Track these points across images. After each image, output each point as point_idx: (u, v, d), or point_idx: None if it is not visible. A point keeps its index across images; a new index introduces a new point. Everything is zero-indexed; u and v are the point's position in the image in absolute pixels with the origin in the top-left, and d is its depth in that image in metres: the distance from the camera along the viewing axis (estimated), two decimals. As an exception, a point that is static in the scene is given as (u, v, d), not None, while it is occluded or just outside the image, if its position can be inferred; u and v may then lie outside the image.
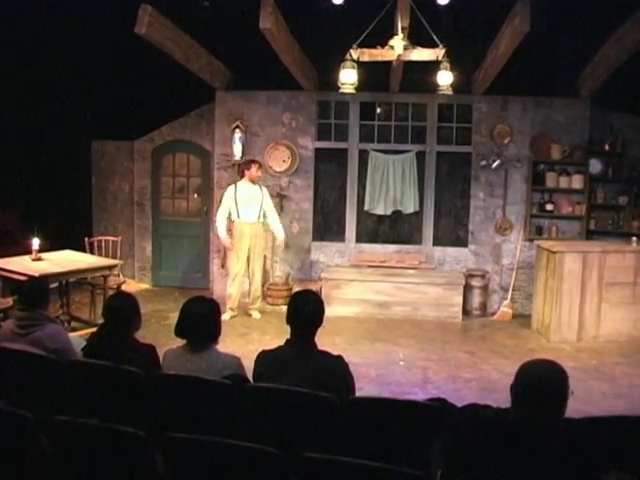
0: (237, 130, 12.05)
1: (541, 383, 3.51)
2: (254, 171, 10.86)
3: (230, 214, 10.85)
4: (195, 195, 13.21)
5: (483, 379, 8.35)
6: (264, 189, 11.04)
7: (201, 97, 12.41)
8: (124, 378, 4.70)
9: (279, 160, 12.06)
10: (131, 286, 12.26)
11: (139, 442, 3.68)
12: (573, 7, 8.24)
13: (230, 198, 10.85)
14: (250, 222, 10.84)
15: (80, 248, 10.50)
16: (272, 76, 11.29)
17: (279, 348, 4.97)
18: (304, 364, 4.79)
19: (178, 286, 12.77)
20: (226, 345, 5.30)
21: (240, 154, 12.07)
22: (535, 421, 3.46)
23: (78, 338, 6.88)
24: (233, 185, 10.98)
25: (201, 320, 5.02)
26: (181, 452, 3.68)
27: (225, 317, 10.31)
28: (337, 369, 4.89)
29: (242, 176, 10.95)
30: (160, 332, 9.19)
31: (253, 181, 10.89)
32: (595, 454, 3.52)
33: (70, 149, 12.30)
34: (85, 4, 9.15)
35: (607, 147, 11.84)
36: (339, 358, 4.94)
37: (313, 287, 10.80)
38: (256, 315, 10.98)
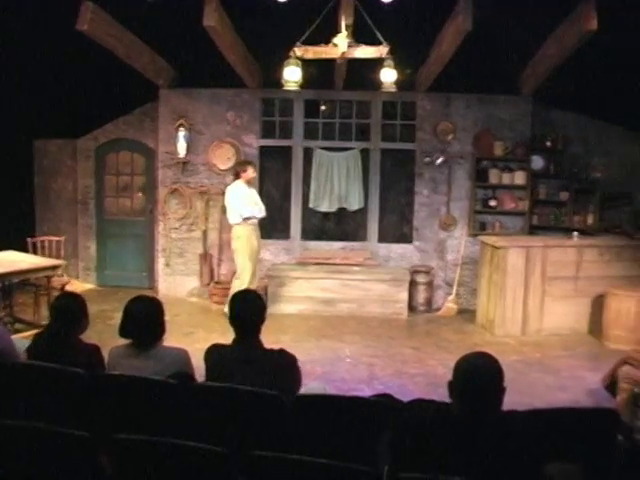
0: (181, 128, 11.97)
1: (476, 375, 3.53)
2: (250, 172, 10.77)
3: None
4: (139, 194, 13.12)
5: (429, 374, 8.39)
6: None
7: (145, 95, 12.31)
8: (68, 379, 4.65)
9: (223, 158, 12.02)
10: (75, 286, 12.12)
11: (84, 444, 3.65)
12: (515, 6, 8.32)
13: (242, 196, 10.67)
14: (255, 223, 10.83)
15: (23, 248, 10.37)
16: (216, 74, 11.24)
17: (227, 346, 4.99)
18: (250, 363, 4.81)
19: (123, 285, 12.64)
20: (171, 344, 5.27)
21: (184, 152, 12.02)
22: (475, 414, 3.50)
23: (22, 340, 6.79)
24: (236, 186, 10.74)
25: (145, 320, 4.98)
26: (127, 453, 3.66)
27: None
28: (282, 364, 4.92)
29: (237, 177, 10.78)
30: (105, 332, 9.08)
31: (249, 183, 10.81)
32: (539, 446, 3.57)
33: (12, 148, 12.11)
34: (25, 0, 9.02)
35: (549, 144, 12.02)
36: (282, 352, 4.98)
37: (258, 285, 10.81)
38: None
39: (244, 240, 10.59)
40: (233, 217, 10.65)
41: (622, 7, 7.80)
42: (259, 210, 10.80)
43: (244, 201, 10.58)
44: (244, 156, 12.03)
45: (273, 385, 4.50)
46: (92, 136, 12.97)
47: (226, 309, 10.70)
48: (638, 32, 8.25)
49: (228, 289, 11.44)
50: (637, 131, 12.06)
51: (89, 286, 13.06)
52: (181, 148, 12.02)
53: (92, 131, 12.93)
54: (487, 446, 3.44)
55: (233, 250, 10.84)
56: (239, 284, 10.57)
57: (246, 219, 10.58)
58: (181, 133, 11.98)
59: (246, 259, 10.63)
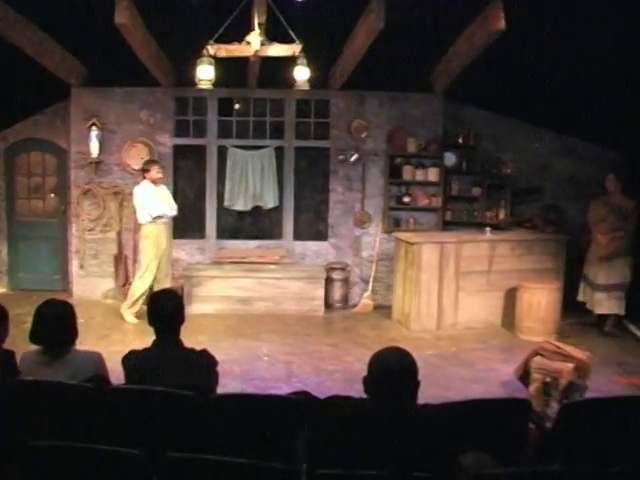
0: (94, 128, 11.79)
1: (389, 370, 3.57)
2: (154, 173, 10.68)
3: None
4: (52, 195, 12.87)
5: (346, 370, 8.43)
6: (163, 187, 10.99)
7: (56, 94, 12.08)
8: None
9: (137, 157, 11.87)
10: (-14, 291, 11.88)
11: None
12: (427, 4, 8.40)
13: (149, 196, 10.61)
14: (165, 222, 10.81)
15: None
16: (129, 72, 11.08)
17: (147, 349, 4.95)
18: (172, 363, 4.79)
19: (37, 289, 12.31)
20: (87, 348, 5.21)
21: (97, 152, 11.83)
22: (390, 408, 3.54)
23: None
24: (143, 185, 10.68)
25: (55, 324, 4.88)
26: (43, 460, 3.59)
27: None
28: (203, 364, 4.92)
29: (144, 178, 10.73)
30: (19, 337, 8.82)
31: (155, 182, 10.71)
32: (453, 437, 3.63)
33: None
34: None
35: (461, 140, 12.23)
36: (204, 352, 4.99)
37: (174, 285, 10.75)
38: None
39: (152, 239, 10.56)
40: (142, 216, 10.61)
41: (530, 8, 7.95)
42: (170, 208, 10.76)
43: (152, 200, 10.53)
44: (158, 155, 11.90)
45: (194, 384, 4.48)
46: (1, 136, 12.67)
47: (123, 310, 10.68)
48: (545, 32, 8.43)
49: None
50: (546, 128, 12.35)
51: (1, 290, 12.77)
52: (94, 148, 11.82)
53: (1, 131, 12.64)
54: (403, 440, 3.48)
55: (140, 249, 10.80)
56: (141, 283, 10.60)
57: (156, 218, 10.53)
58: (93, 133, 11.79)
59: (151, 259, 10.61)
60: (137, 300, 10.61)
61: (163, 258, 10.73)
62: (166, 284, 10.50)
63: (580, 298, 10.52)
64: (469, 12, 8.85)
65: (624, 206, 10.10)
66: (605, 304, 10.21)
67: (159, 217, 10.57)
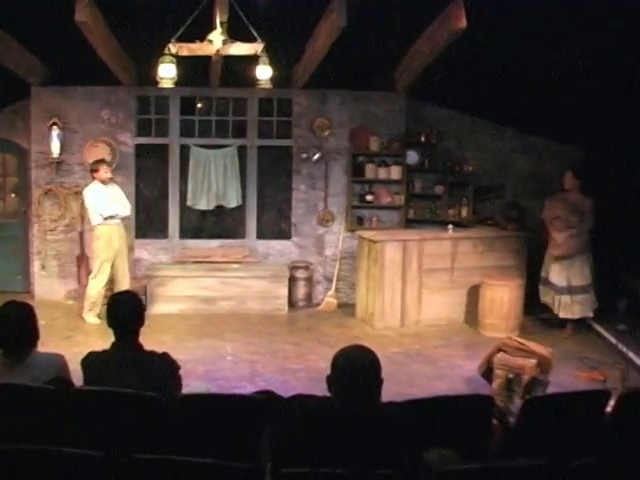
0: (54, 127, 11.66)
1: (352, 368, 3.58)
2: (102, 173, 10.57)
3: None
4: (12, 195, 12.74)
5: (310, 369, 8.45)
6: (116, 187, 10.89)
7: (16, 93, 11.95)
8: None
9: (99, 157, 11.78)
10: (-55, 292, 11.72)
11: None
12: (388, 2, 8.43)
13: (99, 196, 10.51)
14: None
15: None
16: (90, 71, 10.98)
17: (105, 351, 4.92)
18: (131, 366, 4.75)
19: (-3, 290, 12.26)
20: (49, 350, 5.16)
21: (58, 152, 11.71)
22: (354, 406, 3.55)
23: None
24: (92, 186, 10.60)
25: (15, 327, 4.79)
26: (3, 464, 3.55)
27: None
28: (163, 367, 4.88)
29: (93, 178, 10.64)
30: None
31: (104, 182, 10.61)
32: (418, 434, 3.65)
33: None
34: None
35: (423, 139, 12.27)
36: (165, 355, 4.95)
37: (137, 285, 10.70)
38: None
39: (104, 240, 10.49)
40: (94, 218, 10.55)
41: (490, 7, 8.00)
42: (123, 208, 10.70)
43: (103, 200, 10.48)
44: (120, 155, 11.84)
45: (155, 387, 4.46)
46: (-41, 136, 12.54)
47: (84, 314, 10.58)
48: (504, 32, 8.49)
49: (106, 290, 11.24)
50: (506, 126, 12.44)
51: (-39, 292, 12.62)
52: (55, 147, 11.69)
53: (-41, 131, 12.50)
54: (367, 438, 3.49)
55: (92, 250, 10.78)
56: (94, 284, 10.56)
57: (108, 218, 10.47)
58: (54, 132, 11.65)
59: (104, 260, 10.55)
60: (95, 302, 10.54)
61: (118, 259, 10.65)
62: (124, 285, 10.45)
63: (542, 300, 10.50)
64: (430, 11, 8.88)
65: (581, 206, 10.00)
66: (571, 308, 10.09)
67: (111, 217, 10.50)
